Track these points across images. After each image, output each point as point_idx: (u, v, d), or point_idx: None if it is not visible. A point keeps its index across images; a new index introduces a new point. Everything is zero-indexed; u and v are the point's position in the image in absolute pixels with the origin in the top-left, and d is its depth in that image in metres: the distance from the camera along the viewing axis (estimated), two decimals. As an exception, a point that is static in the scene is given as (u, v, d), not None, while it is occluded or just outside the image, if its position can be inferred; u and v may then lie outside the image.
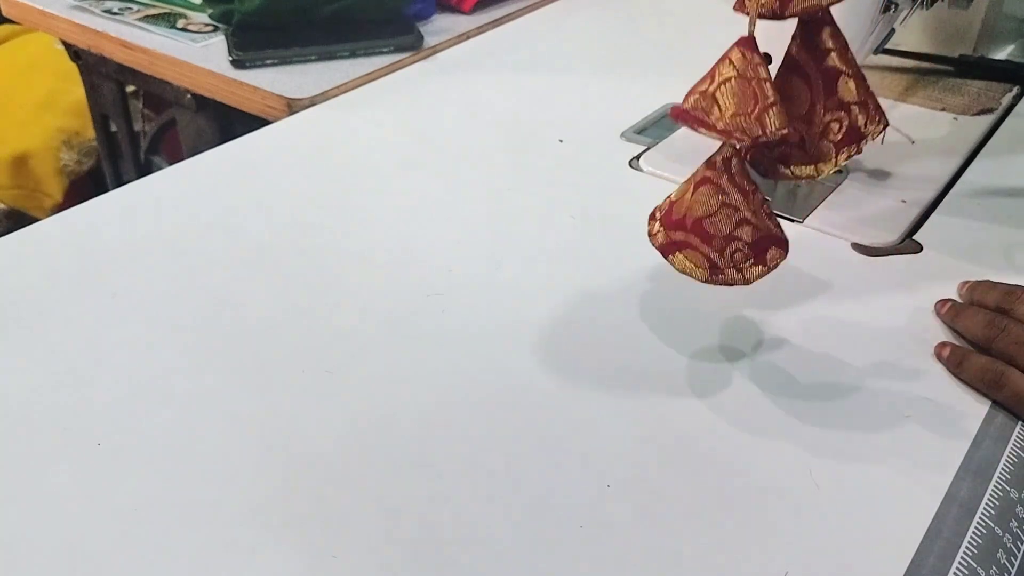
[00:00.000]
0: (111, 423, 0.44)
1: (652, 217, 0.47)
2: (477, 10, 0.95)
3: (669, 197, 0.46)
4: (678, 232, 0.45)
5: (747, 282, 0.44)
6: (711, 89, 0.40)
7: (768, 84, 0.40)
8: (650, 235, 0.47)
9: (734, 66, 0.39)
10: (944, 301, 0.52)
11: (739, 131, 0.39)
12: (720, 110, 0.40)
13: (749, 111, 0.39)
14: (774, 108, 0.39)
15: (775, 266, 0.44)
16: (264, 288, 0.54)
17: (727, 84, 0.39)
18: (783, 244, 0.44)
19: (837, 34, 0.42)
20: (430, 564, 0.38)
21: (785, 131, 0.40)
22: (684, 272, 0.45)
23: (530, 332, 0.50)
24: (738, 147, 0.42)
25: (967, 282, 0.53)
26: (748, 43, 0.40)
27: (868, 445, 0.44)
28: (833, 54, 0.42)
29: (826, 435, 0.44)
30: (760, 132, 0.39)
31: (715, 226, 0.43)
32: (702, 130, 0.40)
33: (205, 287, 0.54)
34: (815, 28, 0.41)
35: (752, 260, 0.44)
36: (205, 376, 0.47)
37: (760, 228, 0.43)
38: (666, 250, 0.46)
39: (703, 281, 0.45)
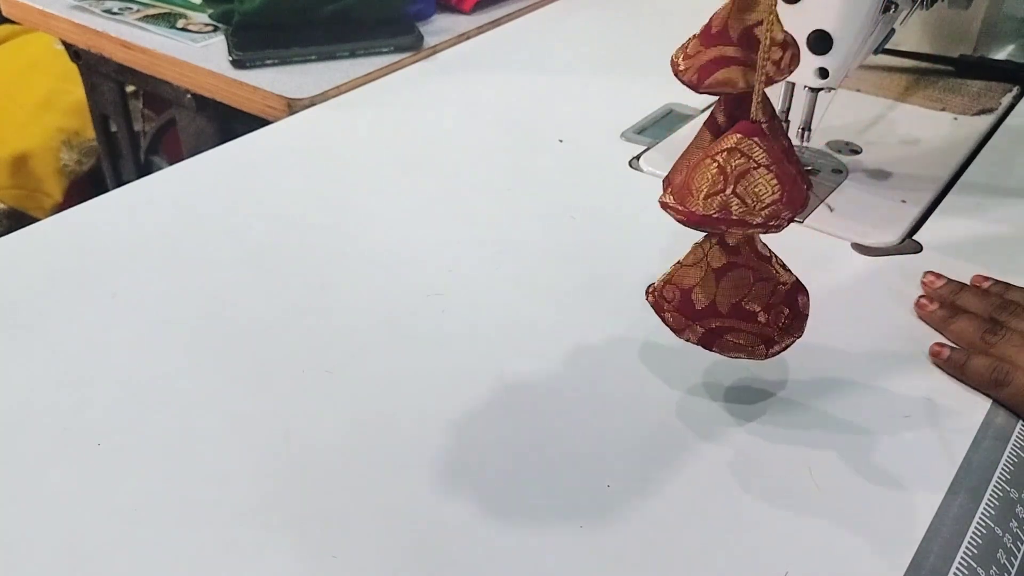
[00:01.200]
0: (111, 423, 0.44)
1: (660, 308, 0.43)
2: (477, 10, 0.95)
3: (669, 281, 0.42)
4: (710, 320, 0.42)
5: (799, 336, 0.42)
6: (730, 187, 0.37)
7: (789, 157, 0.38)
8: (677, 331, 0.43)
9: (749, 157, 0.37)
10: (927, 300, 0.51)
11: (788, 209, 0.37)
12: (750, 203, 0.37)
13: (787, 191, 0.37)
14: (800, 175, 0.38)
15: (808, 311, 0.42)
16: (264, 288, 0.54)
17: (754, 174, 0.37)
18: (802, 287, 0.42)
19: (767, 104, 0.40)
20: (430, 564, 0.38)
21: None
22: (738, 358, 0.43)
23: (530, 332, 0.50)
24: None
25: (931, 273, 0.53)
26: (752, 129, 0.37)
27: (868, 445, 0.44)
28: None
29: (826, 435, 0.44)
30: (804, 201, 0.38)
31: (755, 302, 0.41)
32: (734, 229, 0.38)
33: (205, 287, 0.54)
34: (743, 103, 0.39)
35: (791, 315, 0.42)
36: (205, 376, 0.47)
37: (786, 281, 0.41)
38: (708, 342, 0.42)
39: (763, 359, 0.42)
